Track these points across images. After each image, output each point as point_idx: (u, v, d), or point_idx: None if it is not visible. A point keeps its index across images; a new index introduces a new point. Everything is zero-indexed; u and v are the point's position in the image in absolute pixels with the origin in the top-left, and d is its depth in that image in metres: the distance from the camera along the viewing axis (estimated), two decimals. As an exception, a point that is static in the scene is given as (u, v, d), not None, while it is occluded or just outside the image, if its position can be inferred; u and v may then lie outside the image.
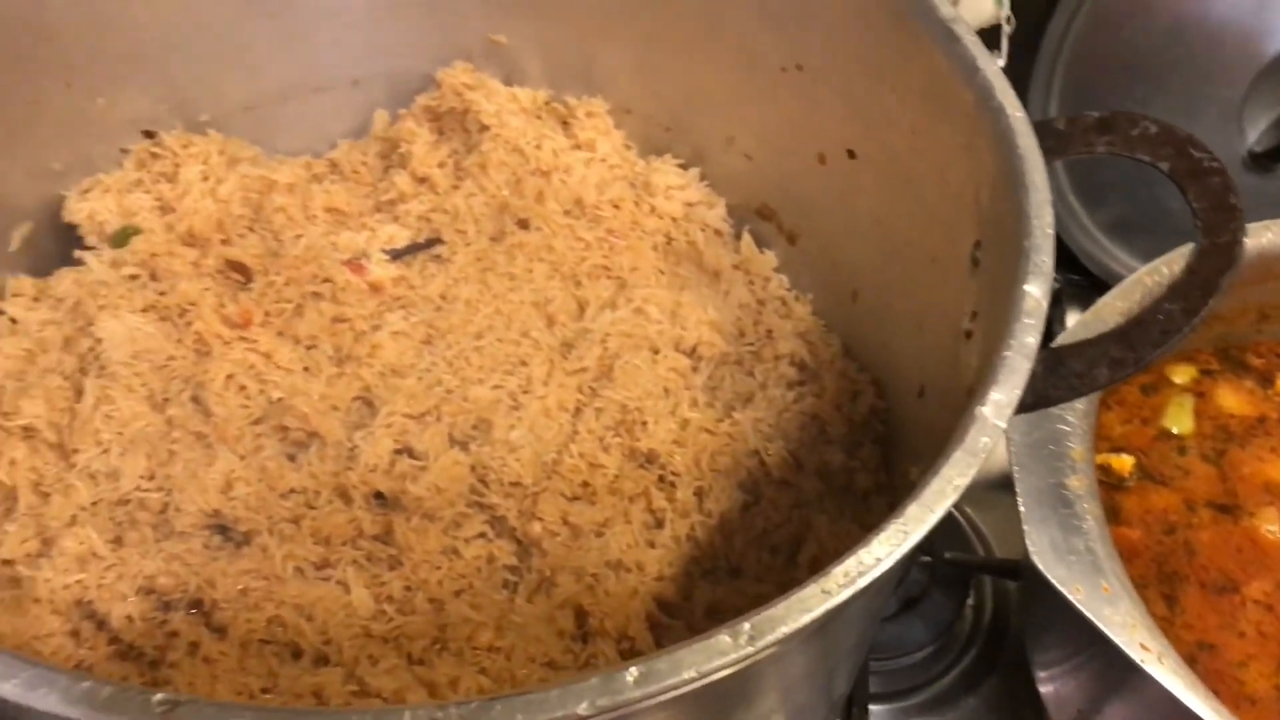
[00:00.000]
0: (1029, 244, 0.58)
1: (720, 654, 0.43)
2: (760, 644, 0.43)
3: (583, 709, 0.41)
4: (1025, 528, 0.70)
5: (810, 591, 0.45)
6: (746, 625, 0.44)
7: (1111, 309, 0.80)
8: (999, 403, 0.51)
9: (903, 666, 0.93)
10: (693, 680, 0.43)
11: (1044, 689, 0.84)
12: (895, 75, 0.73)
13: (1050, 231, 0.58)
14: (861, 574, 0.46)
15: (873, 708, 0.88)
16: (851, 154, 0.81)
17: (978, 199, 0.66)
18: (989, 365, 0.54)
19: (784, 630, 0.44)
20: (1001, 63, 0.90)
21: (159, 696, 0.40)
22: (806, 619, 0.44)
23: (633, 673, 0.42)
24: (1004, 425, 0.51)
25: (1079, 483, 0.72)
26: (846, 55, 0.77)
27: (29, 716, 0.46)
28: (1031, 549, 0.69)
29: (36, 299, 0.82)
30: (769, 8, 0.80)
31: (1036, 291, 0.56)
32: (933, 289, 0.73)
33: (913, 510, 0.48)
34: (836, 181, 0.84)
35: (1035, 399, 0.55)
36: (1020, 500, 0.71)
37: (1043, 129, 0.64)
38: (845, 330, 0.88)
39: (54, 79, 0.79)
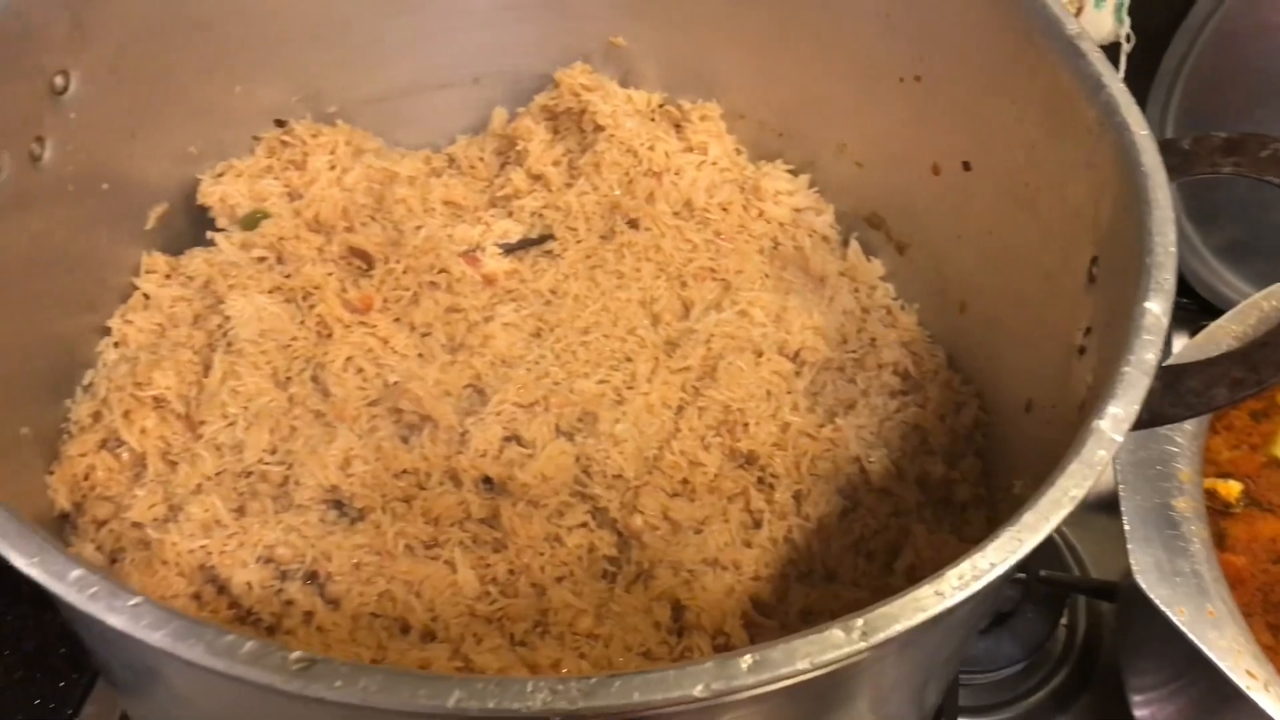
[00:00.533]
0: (1150, 261, 0.58)
1: (834, 647, 0.44)
2: (874, 640, 0.44)
3: (698, 690, 0.43)
4: (1129, 546, 0.70)
5: (925, 592, 0.46)
6: (860, 621, 0.45)
7: (1225, 332, 0.80)
8: (1116, 417, 0.51)
9: (993, 682, 0.92)
10: (805, 671, 0.44)
11: (1139, 713, 0.84)
12: (1016, 89, 0.73)
13: (1173, 250, 0.58)
14: (976, 578, 0.46)
15: (962, 721, 0.88)
16: (967, 166, 0.81)
17: (1097, 215, 0.66)
18: (1106, 380, 0.54)
19: (898, 628, 0.45)
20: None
21: (295, 654, 0.43)
22: (920, 618, 0.45)
23: (747, 660, 0.43)
24: (1120, 439, 0.51)
25: (1186, 505, 0.72)
26: (967, 68, 0.78)
27: (169, 665, 0.49)
28: (1135, 568, 0.69)
29: (168, 276, 0.86)
30: (893, 19, 0.81)
31: (1157, 308, 0.56)
32: (1045, 303, 0.73)
33: (1028, 518, 0.48)
34: (950, 193, 0.84)
35: (1151, 416, 0.55)
36: (1125, 519, 0.71)
37: (1167, 147, 0.64)
38: (951, 341, 0.88)
39: (198, 67, 0.83)
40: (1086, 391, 0.62)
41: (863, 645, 0.44)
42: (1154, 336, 0.55)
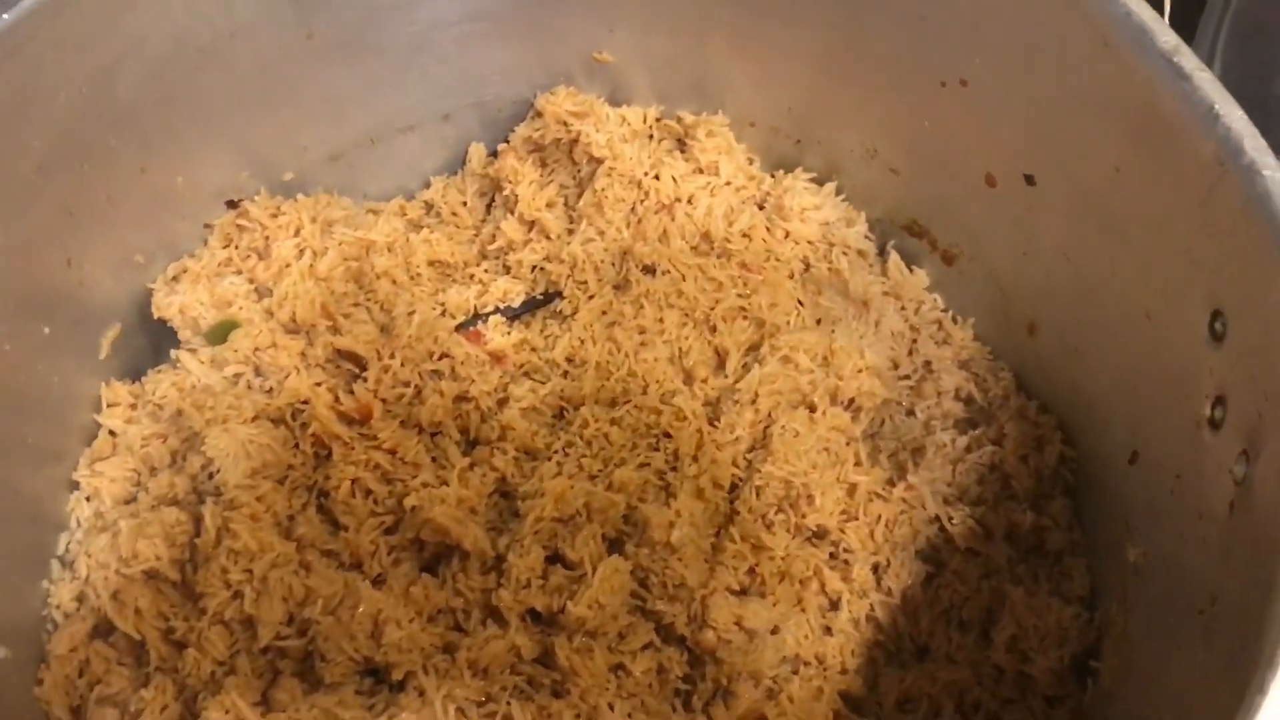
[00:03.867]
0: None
1: None
2: None
3: None
4: None
5: None
6: None
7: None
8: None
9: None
10: None
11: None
12: (1096, 104, 0.63)
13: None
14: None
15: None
16: (1030, 179, 0.71)
17: (1218, 266, 0.56)
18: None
19: None
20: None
21: None
22: None
23: None
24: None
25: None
26: (1026, 76, 0.67)
27: None
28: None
29: (133, 406, 0.75)
30: (931, 22, 0.70)
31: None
32: (1147, 348, 0.64)
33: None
34: (1009, 206, 0.74)
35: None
36: None
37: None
38: (1020, 364, 0.79)
39: (129, 166, 0.71)
40: (1237, 490, 0.53)
41: None
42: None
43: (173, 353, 0.76)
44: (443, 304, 0.80)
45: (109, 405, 0.74)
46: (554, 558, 0.70)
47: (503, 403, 0.76)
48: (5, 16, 0.61)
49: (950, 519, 0.73)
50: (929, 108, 0.75)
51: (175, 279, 0.77)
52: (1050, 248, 0.72)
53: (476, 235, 0.86)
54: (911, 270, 0.84)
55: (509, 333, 0.79)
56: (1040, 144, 0.69)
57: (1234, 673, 0.44)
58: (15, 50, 0.62)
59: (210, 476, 0.70)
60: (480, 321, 0.79)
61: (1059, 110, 0.66)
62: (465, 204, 0.87)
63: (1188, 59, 0.57)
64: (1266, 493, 0.50)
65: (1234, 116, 0.54)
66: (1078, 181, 0.67)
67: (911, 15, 0.70)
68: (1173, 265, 0.60)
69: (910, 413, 0.80)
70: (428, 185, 0.89)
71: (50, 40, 0.63)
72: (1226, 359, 0.56)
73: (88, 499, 0.72)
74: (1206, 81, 0.56)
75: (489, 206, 0.88)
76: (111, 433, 0.74)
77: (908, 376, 0.82)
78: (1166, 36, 0.58)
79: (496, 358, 0.78)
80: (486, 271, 0.84)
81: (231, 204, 0.79)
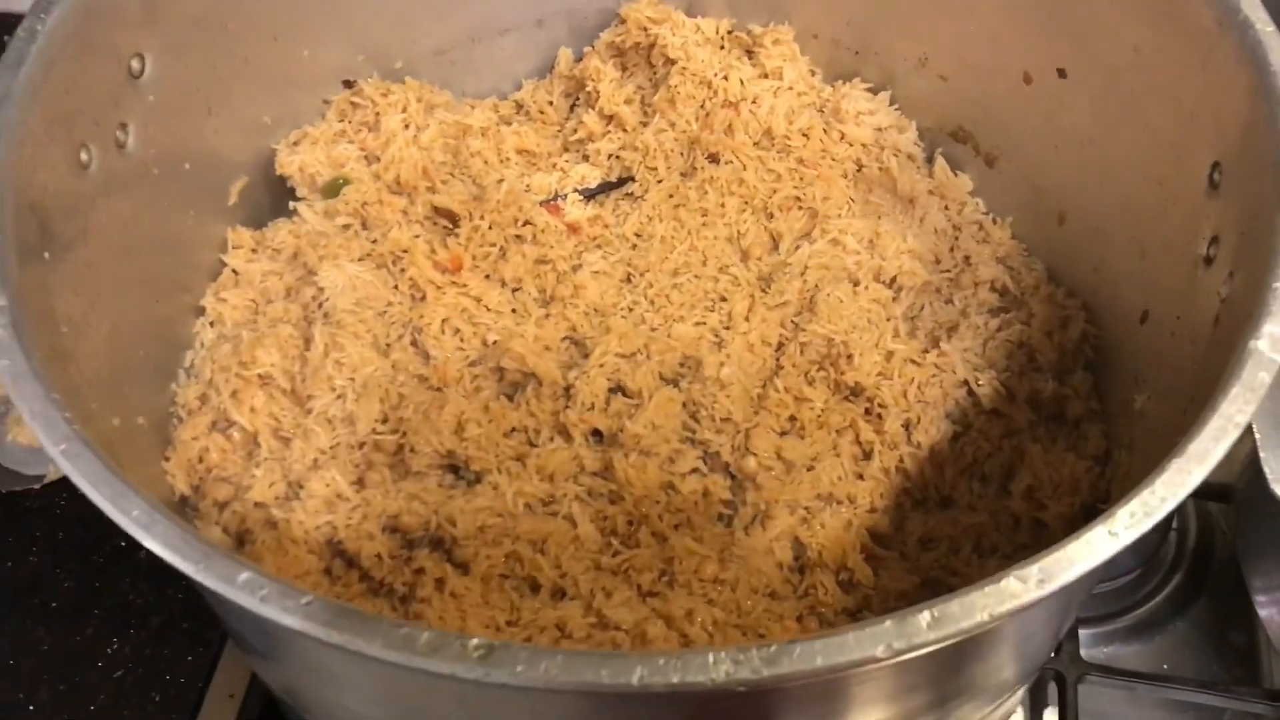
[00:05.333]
0: (1288, 166, 0.56)
1: (1012, 597, 0.43)
2: (1051, 587, 0.44)
3: (880, 651, 0.42)
4: (1262, 454, 0.69)
5: (1097, 534, 0.45)
6: (1035, 568, 0.44)
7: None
8: (1275, 336, 0.50)
9: (1108, 590, 0.92)
10: (985, 623, 0.43)
11: (1264, 612, 0.83)
12: (1118, -10, 0.70)
13: (1311, 153, 0.56)
14: (1148, 515, 0.45)
15: (1080, 631, 0.87)
16: (1062, 73, 0.78)
17: (1217, 120, 0.63)
18: (1254, 296, 0.52)
19: (1075, 572, 0.44)
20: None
21: (475, 641, 0.43)
22: (1097, 560, 0.44)
23: (926, 616, 0.43)
24: None
25: (1317, 408, 0.70)
26: (1059, -31, 0.75)
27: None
28: (1270, 476, 0.68)
29: (255, 250, 0.85)
30: (973, -76, 0.78)
31: (1301, 216, 0.54)
32: (1158, 212, 0.71)
33: (1194, 449, 0.47)
34: (1043, 101, 0.81)
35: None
36: (1255, 425, 0.70)
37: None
38: (1050, 254, 0.86)
39: (264, 35, 0.82)
40: (1221, 305, 0.60)
41: (1041, 593, 0.43)
42: (1301, 246, 0.53)
43: (291, 204, 0.86)
44: (528, 186, 0.90)
45: (234, 247, 0.84)
46: (615, 390, 0.78)
47: (576, 267, 0.85)
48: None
49: (978, 382, 0.80)
50: (972, 11, 0.83)
51: (296, 143, 0.87)
52: (1078, 137, 0.79)
53: (560, 131, 0.96)
54: (957, 175, 0.92)
55: (585, 209, 0.88)
56: (1071, 37, 0.76)
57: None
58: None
59: (320, 305, 0.80)
60: (560, 199, 0.89)
61: (1086, 1, 0.74)
62: (551, 103, 0.97)
63: (1196, -65, 0.64)
64: (1240, 290, 0.57)
65: (1232, -20, 0.62)
66: (1102, 67, 0.74)
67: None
68: (1180, 130, 0.68)
69: (948, 301, 0.88)
70: (519, 88, 0.98)
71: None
72: (1221, 202, 0.63)
73: (211, 323, 0.82)
74: (1211, -47, 0.63)
75: (572, 107, 0.97)
76: (234, 271, 0.84)
77: (948, 271, 0.89)
78: (1179, -84, 0.65)
79: (573, 229, 0.87)
80: (568, 161, 0.93)
81: (348, 83, 0.89)
